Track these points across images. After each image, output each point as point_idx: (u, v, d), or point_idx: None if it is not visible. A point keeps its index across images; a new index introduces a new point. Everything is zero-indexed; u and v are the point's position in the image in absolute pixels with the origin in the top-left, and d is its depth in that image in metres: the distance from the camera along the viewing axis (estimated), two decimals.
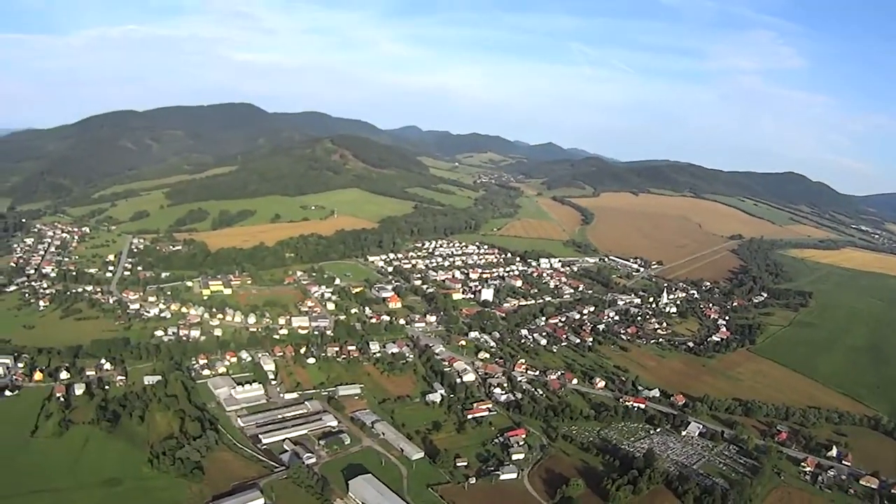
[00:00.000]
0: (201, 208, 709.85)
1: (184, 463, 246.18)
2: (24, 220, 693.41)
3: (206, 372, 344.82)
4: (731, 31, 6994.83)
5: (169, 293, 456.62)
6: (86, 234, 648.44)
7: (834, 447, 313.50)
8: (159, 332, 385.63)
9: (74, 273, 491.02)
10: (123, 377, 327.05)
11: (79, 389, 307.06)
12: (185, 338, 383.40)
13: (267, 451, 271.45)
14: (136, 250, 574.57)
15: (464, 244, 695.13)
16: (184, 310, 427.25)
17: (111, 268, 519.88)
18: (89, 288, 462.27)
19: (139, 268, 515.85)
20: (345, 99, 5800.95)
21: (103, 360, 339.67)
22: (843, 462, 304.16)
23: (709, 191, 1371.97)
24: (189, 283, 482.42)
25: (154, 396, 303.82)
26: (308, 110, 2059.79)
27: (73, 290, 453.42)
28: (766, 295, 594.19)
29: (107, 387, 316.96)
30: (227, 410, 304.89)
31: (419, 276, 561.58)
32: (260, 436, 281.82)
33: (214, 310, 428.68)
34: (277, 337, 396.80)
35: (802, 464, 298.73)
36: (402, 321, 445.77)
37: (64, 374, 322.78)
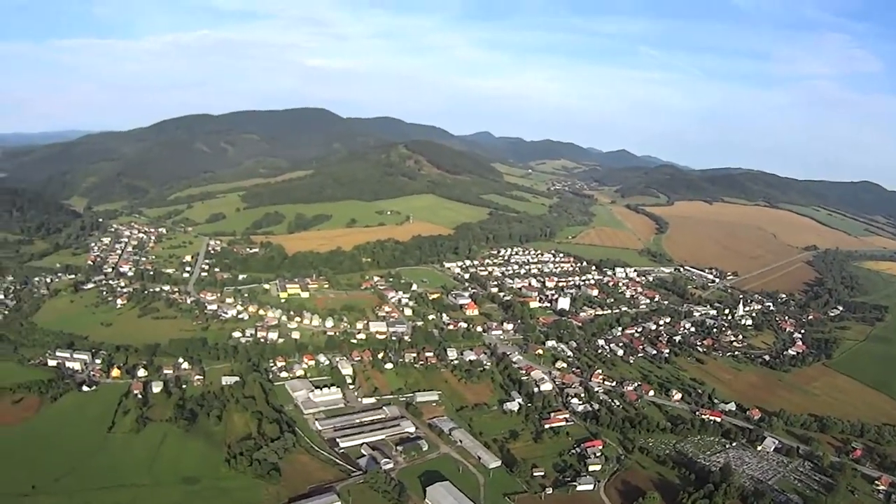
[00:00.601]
0: (277, 212, 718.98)
1: (261, 464, 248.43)
2: (101, 220, 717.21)
3: (283, 374, 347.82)
4: (801, 34, 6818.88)
5: (246, 295, 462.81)
6: (162, 234, 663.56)
7: None
8: (237, 334, 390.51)
9: (152, 273, 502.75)
10: (201, 377, 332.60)
11: (156, 387, 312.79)
12: (262, 340, 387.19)
13: (344, 455, 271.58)
14: (212, 252, 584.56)
15: (539, 252, 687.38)
16: (261, 312, 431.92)
17: (188, 268, 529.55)
18: (166, 288, 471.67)
19: (216, 269, 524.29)
20: (417, 104, 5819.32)
21: (181, 360, 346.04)
22: None
23: (783, 200, 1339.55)
24: (266, 286, 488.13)
25: (232, 397, 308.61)
26: (381, 115, 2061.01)
27: (151, 290, 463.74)
28: (841, 308, 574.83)
29: (184, 386, 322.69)
30: (304, 413, 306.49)
31: (495, 283, 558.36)
32: (337, 439, 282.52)
33: (292, 313, 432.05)
34: (355, 341, 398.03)
35: (876, 482, 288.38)
36: (479, 328, 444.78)
37: (141, 372, 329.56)
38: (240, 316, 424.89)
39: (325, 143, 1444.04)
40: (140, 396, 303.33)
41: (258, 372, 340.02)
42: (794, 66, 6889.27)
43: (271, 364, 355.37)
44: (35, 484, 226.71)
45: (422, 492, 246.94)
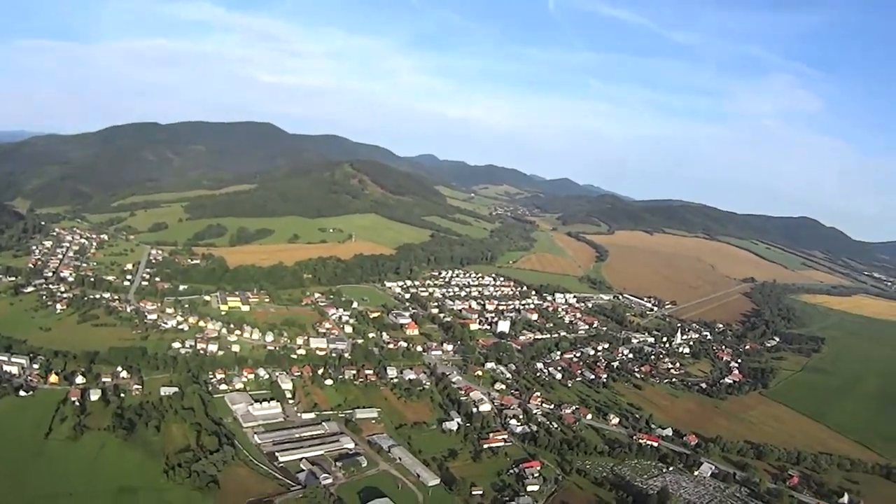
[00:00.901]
0: (220, 224, 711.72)
1: (200, 476, 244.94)
2: (43, 223, 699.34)
3: (223, 387, 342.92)
4: (748, 74, 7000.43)
5: (187, 306, 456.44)
6: (104, 241, 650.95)
7: (846, 494, 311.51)
8: (176, 344, 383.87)
9: (92, 279, 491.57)
10: (140, 386, 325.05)
11: (94, 395, 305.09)
12: (202, 351, 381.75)
13: (283, 470, 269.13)
14: (154, 261, 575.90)
15: (480, 275, 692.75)
16: (201, 323, 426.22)
17: (129, 277, 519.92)
18: (107, 295, 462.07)
19: (157, 279, 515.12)
20: (364, 124, 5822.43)
21: (119, 368, 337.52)
22: None
23: (722, 232, 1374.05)
24: (207, 298, 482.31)
25: (170, 408, 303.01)
26: (328, 133, 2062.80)
27: (91, 296, 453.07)
28: (778, 339, 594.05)
29: (122, 394, 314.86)
30: (243, 426, 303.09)
31: (436, 304, 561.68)
32: (276, 453, 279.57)
33: (232, 325, 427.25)
34: (295, 357, 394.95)
35: None
36: (419, 348, 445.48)
37: (80, 379, 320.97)
38: (180, 327, 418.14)
39: (269, 158, 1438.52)
40: (78, 404, 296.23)
41: (197, 384, 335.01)
42: (739, 103, 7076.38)
43: (210, 376, 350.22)
44: None
45: None
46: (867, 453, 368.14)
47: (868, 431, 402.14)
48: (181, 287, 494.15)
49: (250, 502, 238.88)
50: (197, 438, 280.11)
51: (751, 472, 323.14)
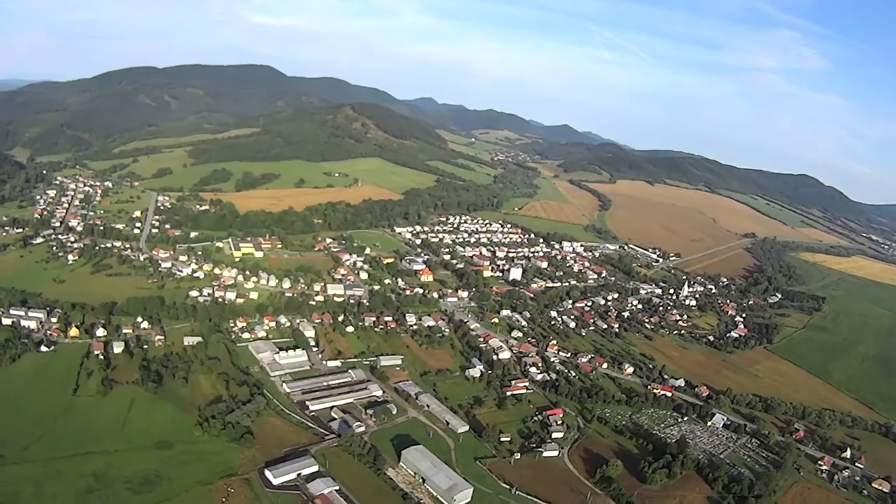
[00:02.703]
0: (224, 169, 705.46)
1: (234, 427, 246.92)
2: (45, 172, 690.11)
3: (245, 335, 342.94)
4: (753, 28, 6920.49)
5: (200, 253, 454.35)
6: (109, 188, 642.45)
7: (848, 449, 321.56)
8: (194, 293, 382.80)
9: (101, 228, 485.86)
10: (162, 337, 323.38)
11: (117, 347, 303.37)
12: (220, 299, 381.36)
13: (315, 419, 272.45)
14: (162, 208, 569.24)
15: (487, 221, 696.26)
16: (216, 271, 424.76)
17: (138, 224, 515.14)
18: (118, 244, 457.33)
19: (167, 226, 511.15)
20: (362, 66, 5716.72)
21: (140, 319, 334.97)
22: (857, 464, 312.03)
23: (723, 186, 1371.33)
24: (219, 244, 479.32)
25: (195, 358, 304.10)
26: (326, 76, 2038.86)
27: (102, 246, 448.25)
28: (780, 296, 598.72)
29: (145, 346, 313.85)
30: (271, 375, 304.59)
31: (447, 250, 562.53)
32: (307, 402, 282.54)
33: (248, 272, 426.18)
34: (313, 303, 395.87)
35: (819, 462, 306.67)
36: (434, 295, 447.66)
37: (100, 332, 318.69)
38: (195, 274, 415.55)
39: (269, 101, 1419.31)
40: (102, 357, 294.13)
41: (220, 332, 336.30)
42: (743, 57, 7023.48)
43: (232, 325, 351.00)
44: (2, 453, 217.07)
45: (395, 455, 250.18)
46: (867, 411, 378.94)
47: (868, 390, 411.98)
48: (192, 234, 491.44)
49: (287, 452, 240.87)
50: (226, 388, 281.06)
51: (760, 425, 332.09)
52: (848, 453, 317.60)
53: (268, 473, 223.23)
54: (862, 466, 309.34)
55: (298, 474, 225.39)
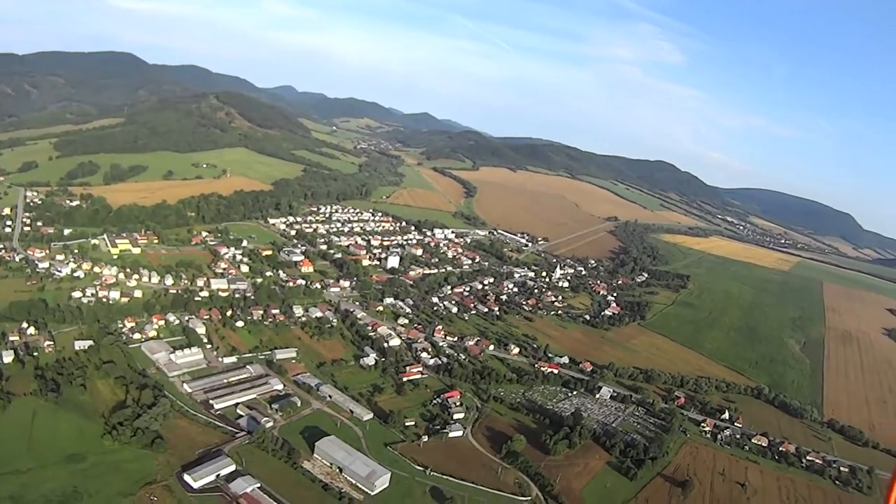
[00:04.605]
0: (91, 161, 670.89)
1: (144, 433, 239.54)
2: None
3: (136, 336, 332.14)
4: (614, 21, 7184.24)
5: (76, 251, 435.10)
6: None
7: (726, 411, 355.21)
8: (77, 294, 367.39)
9: None
10: (52, 342, 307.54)
11: (7, 357, 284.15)
12: (105, 299, 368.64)
13: (222, 417, 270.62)
14: (31, 204, 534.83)
15: (358, 211, 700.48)
16: (96, 269, 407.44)
17: (9, 222, 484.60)
18: None
19: (39, 223, 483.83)
20: (224, 54, 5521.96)
21: (25, 325, 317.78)
22: (736, 424, 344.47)
23: (583, 172, 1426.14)
24: (95, 241, 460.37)
25: (89, 363, 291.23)
26: (188, 63, 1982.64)
27: None
28: (647, 275, 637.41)
29: (35, 353, 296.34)
30: (169, 376, 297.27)
31: (323, 240, 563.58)
32: (211, 401, 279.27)
33: (128, 270, 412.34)
34: (199, 299, 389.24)
35: (702, 424, 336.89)
36: (317, 285, 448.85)
37: None
38: (75, 274, 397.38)
39: (131, 90, 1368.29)
40: None
41: (111, 334, 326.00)
42: (604, 49, 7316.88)
43: (121, 325, 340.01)
44: None
45: (308, 448, 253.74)
46: (738, 377, 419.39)
47: (736, 358, 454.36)
48: (66, 231, 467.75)
49: (201, 454, 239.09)
50: (127, 393, 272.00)
51: (644, 395, 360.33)
52: (726, 415, 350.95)
53: (187, 477, 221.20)
54: (741, 425, 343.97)
55: (218, 475, 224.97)
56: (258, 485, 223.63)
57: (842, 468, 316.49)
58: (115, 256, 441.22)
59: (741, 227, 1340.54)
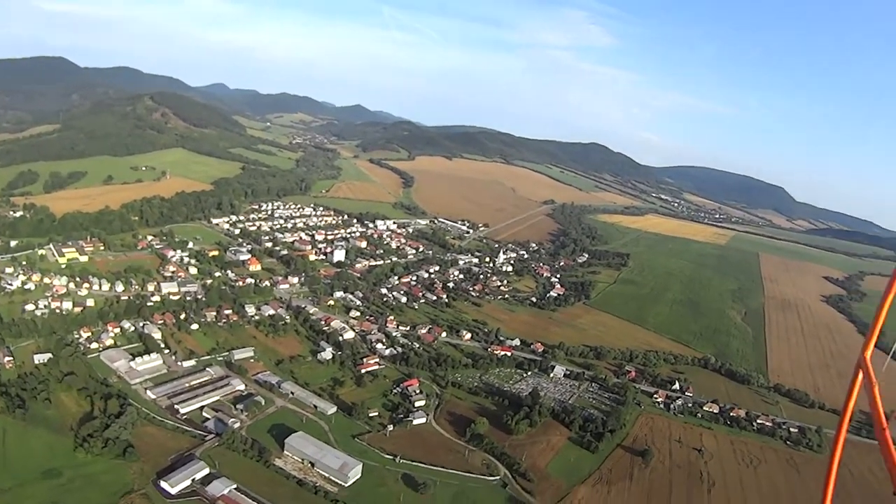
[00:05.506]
0: (31, 170, 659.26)
1: (115, 443, 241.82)
2: None
3: (94, 345, 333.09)
4: (542, 7, 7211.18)
5: (24, 263, 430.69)
6: None
7: (676, 382, 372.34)
8: (29, 306, 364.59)
9: None
10: (10, 358, 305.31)
11: None
12: (58, 310, 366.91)
13: (189, 421, 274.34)
14: None
15: (299, 206, 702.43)
16: (46, 280, 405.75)
17: None
18: None
19: None
20: (154, 55, 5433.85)
21: None
22: (686, 393, 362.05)
23: (518, 157, 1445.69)
24: (41, 252, 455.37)
25: (51, 376, 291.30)
26: (120, 65, 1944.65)
27: None
28: (587, 255, 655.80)
29: None
30: (131, 384, 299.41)
31: (267, 238, 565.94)
32: (176, 406, 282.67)
33: (78, 279, 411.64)
34: (151, 304, 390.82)
35: (655, 395, 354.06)
36: (266, 283, 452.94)
37: None
38: (26, 286, 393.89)
39: (65, 95, 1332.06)
40: None
41: (69, 346, 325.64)
42: (533, 35, 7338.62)
43: (77, 336, 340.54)
44: None
45: (278, 445, 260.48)
46: (684, 349, 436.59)
47: (681, 331, 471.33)
48: (12, 243, 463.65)
49: (173, 459, 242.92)
50: (92, 404, 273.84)
51: (596, 371, 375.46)
52: (677, 385, 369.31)
53: (163, 484, 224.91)
54: (691, 395, 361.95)
55: (193, 479, 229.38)
56: (235, 486, 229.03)
57: (791, 429, 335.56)
58: (64, 266, 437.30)
59: (676, 204, 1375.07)
